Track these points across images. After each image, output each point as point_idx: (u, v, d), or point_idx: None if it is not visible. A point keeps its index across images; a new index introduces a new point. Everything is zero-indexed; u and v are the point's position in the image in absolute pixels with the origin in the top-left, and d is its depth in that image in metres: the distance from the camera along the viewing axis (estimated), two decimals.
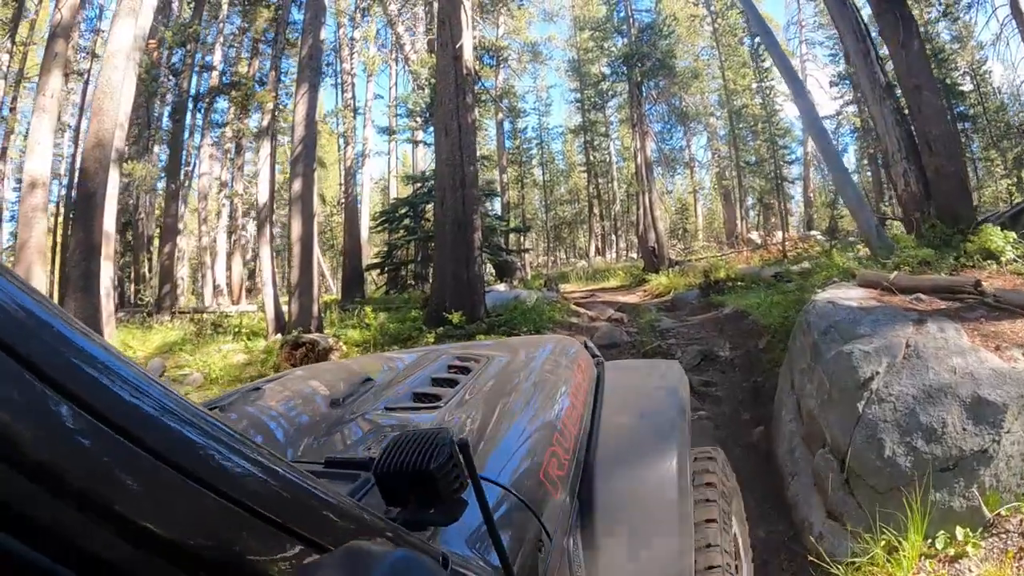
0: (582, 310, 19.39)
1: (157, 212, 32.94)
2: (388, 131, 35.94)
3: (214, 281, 33.03)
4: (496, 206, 37.80)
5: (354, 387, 2.75)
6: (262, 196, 20.73)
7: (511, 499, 1.82)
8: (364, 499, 1.55)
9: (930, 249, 8.43)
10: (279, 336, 15.08)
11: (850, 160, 44.57)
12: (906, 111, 11.16)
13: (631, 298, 24.30)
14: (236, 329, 18.59)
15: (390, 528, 1.17)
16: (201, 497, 0.79)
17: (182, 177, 33.80)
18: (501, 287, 19.92)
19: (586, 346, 3.68)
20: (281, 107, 23.30)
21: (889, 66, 11.87)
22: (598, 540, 2.19)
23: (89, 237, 13.75)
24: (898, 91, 11.36)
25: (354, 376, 3.12)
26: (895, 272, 6.57)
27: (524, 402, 2.55)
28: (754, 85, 41.58)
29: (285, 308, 16.96)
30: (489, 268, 27.11)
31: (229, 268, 34.39)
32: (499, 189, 39.06)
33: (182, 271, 40.20)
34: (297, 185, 16.62)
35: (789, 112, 42.26)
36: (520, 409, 2.47)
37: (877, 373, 4.96)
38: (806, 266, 22.19)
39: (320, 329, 15.74)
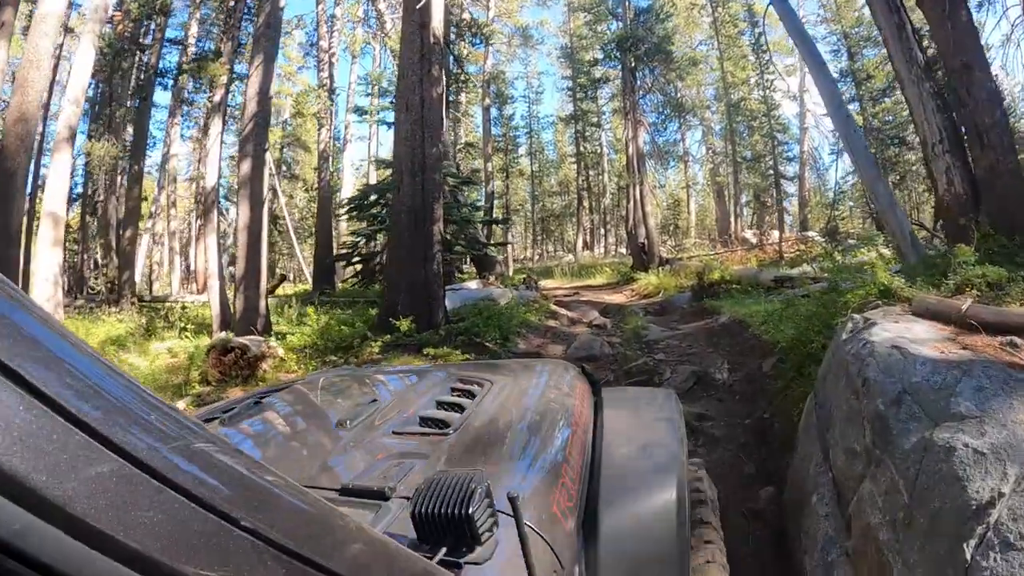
0: (563, 311, 17.89)
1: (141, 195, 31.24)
2: (361, 111, 34.51)
3: (185, 267, 31.65)
4: (480, 196, 36.76)
5: (360, 408, 2.73)
6: (210, 179, 19.05)
7: (530, 533, 1.67)
8: (390, 529, 1.61)
9: (995, 267, 6.64)
10: (223, 335, 13.47)
11: (843, 160, 43.38)
12: (947, 95, 9.43)
13: (617, 298, 23.08)
14: (184, 324, 17.25)
15: (432, 570, 1.19)
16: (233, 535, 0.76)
17: (160, 159, 32.50)
18: (473, 284, 18.18)
19: (584, 371, 3.73)
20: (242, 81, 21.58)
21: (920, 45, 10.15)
22: (601, 570, 2.14)
23: (7, 221, 12.75)
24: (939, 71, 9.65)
25: (358, 395, 3.21)
26: (967, 301, 4.79)
27: (531, 431, 2.56)
28: (753, 79, 40.64)
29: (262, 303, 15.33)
30: (467, 265, 26.07)
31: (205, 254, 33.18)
32: (484, 177, 37.99)
33: (159, 256, 39.10)
34: (245, 167, 15.06)
35: (787, 110, 41.59)
36: (528, 438, 2.49)
37: (1000, 494, 2.79)
38: (807, 269, 20.95)
39: (267, 328, 14.41)
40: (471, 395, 2.87)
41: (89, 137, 28.49)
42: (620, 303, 21.18)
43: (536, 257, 53.59)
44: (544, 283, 29.91)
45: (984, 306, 4.74)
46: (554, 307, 18.31)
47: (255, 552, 0.77)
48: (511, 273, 30.30)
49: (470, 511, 1.36)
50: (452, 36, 31.05)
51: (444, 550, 1.40)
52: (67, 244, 26.43)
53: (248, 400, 3.12)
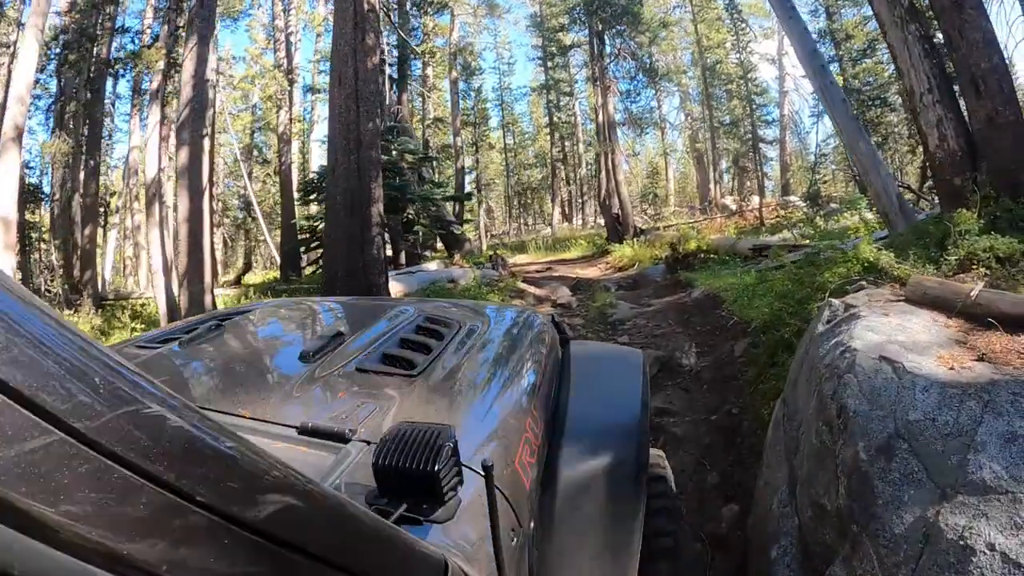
0: (530, 289, 16.97)
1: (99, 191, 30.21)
2: (314, 90, 33.77)
3: (150, 263, 30.66)
4: (454, 172, 36.00)
5: (325, 340, 2.55)
6: (149, 170, 17.97)
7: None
8: (346, 474, 1.58)
9: (1005, 238, 5.46)
10: None
11: (824, 123, 42.67)
12: (936, 38, 8.32)
13: (591, 272, 22.35)
14: (136, 324, 16.73)
15: (393, 532, 1.12)
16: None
17: (126, 153, 31.43)
18: (433, 265, 17.10)
19: (554, 321, 3.60)
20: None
21: None
22: (555, 526, 2.17)
23: None
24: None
25: (324, 325, 3.28)
26: (976, 285, 3.62)
27: (498, 382, 2.52)
28: (729, 42, 40.01)
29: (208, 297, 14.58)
30: (439, 243, 24.70)
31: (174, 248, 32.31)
32: (454, 153, 37.27)
33: (131, 251, 38.08)
34: (183, 156, 14.07)
35: (766, 74, 41.07)
36: (495, 389, 2.44)
37: None
38: (787, 236, 20.24)
39: None
40: (439, 336, 2.76)
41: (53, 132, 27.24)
42: (592, 277, 20.37)
43: (513, 231, 52.59)
44: (517, 259, 29.40)
45: (998, 292, 3.62)
46: (521, 285, 17.37)
47: (215, 536, 0.72)
48: (485, 249, 29.17)
49: (436, 468, 1.31)
50: (412, 8, 29.91)
51: (404, 506, 1.35)
52: (31, 246, 26.08)
53: (210, 321, 2.98)
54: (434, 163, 26.99)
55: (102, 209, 30.44)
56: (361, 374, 2.33)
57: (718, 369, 8.09)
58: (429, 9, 29.92)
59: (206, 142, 14.94)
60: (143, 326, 15.76)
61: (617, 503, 2.34)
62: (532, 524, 1.98)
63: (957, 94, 7.98)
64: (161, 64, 18.79)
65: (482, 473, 1.49)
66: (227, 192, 47.35)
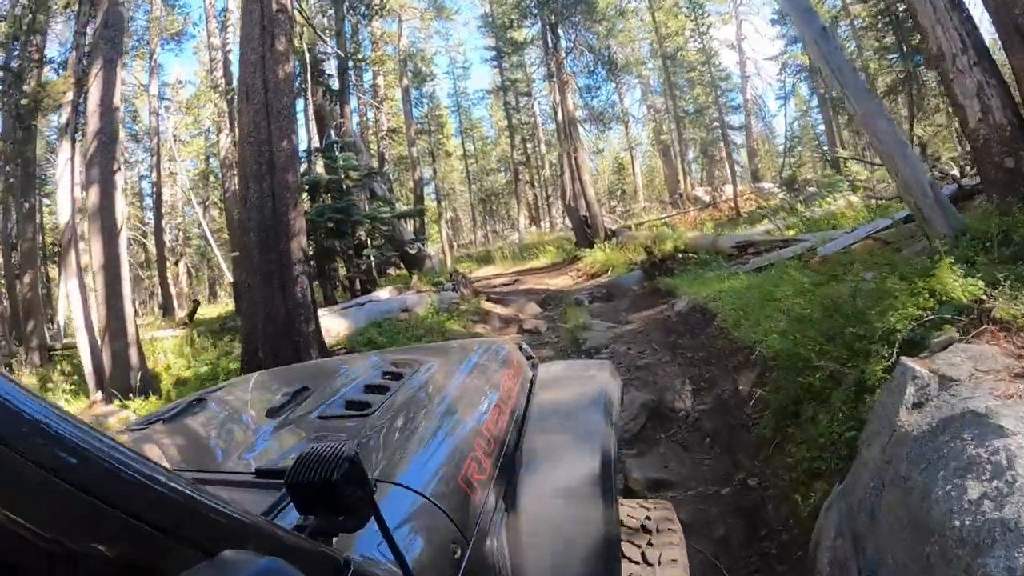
0: (495, 309, 15.45)
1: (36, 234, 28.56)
2: None
3: (71, 317, 29.11)
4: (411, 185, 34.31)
5: (290, 396, 2.79)
6: (62, 214, 16.08)
7: (425, 503, 1.86)
8: (289, 505, 1.64)
9: None
10: (99, 395, 12.31)
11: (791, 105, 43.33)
12: None
13: (561, 281, 21.22)
14: (66, 384, 14.96)
15: (290, 536, 1.27)
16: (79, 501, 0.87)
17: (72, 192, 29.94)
18: (385, 293, 15.20)
19: (520, 347, 3.74)
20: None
21: None
22: (523, 541, 2.20)
23: None
24: None
25: (291, 386, 3.10)
26: None
27: (449, 408, 2.59)
28: (689, 28, 39.30)
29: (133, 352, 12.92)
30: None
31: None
32: (410, 164, 35.80)
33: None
34: (93, 196, 12.62)
35: (726, 60, 40.23)
36: (444, 415, 2.51)
37: None
38: (768, 227, 18.79)
39: (146, 381, 12.46)
40: (399, 377, 2.89)
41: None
42: (563, 288, 19.14)
43: (480, 239, 51.71)
44: (483, 271, 28.47)
45: None
46: (485, 305, 15.82)
47: (128, 531, 0.92)
48: (450, 263, 27.68)
49: (333, 478, 1.31)
50: (348, 10, 28.29)
51: (312, 519, 1.39)
52: None
53: (191, 399, 3.18)
54: (382, 177, 25.10)
55: (57, 250, 28.86)
56: (322, 420, 2.43)
57: (722, 414, 6.53)
58: (366, 11, 28.11)
59: (119, 178, 13.34)
60: (72, 386, 13.92)
61: (581, 508, 2.29)
62: (497, 542, 2.07)
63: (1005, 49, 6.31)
64: (70, 95, 16.88)
65: (413, 489, 1.80)
66: (187, 221, 45.84)
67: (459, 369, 3.12)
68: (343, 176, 18.66)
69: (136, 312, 35.44)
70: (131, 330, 12.60)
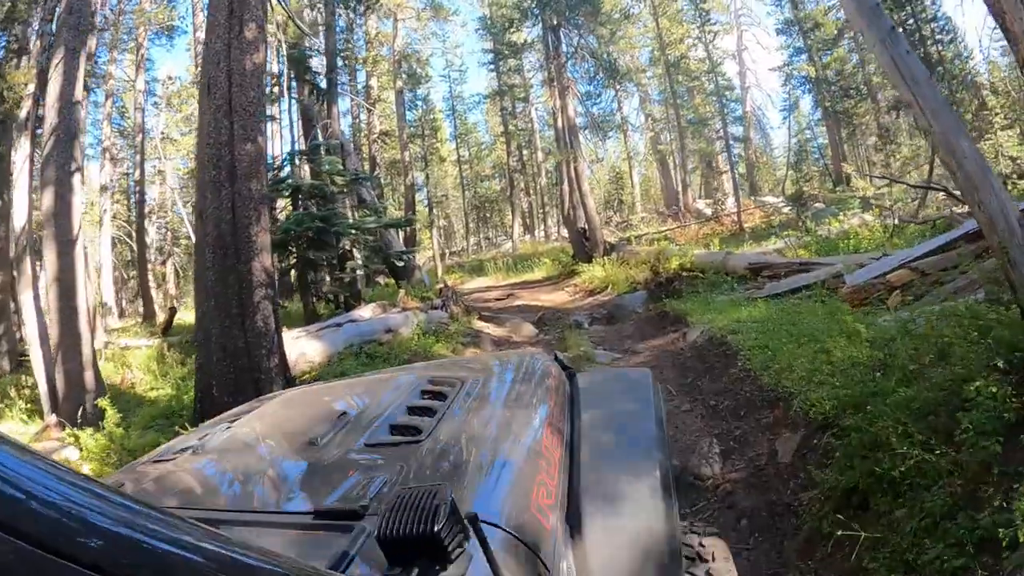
0: (487, 329, 14.48)
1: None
2: None
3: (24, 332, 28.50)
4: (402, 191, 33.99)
5: (330, 424, 2.63)
6: (17, 219, 14.78)
7: (504, 537, 1.76)
8: (362, 551, 1.56)
9: None
10: (53, 418, 11.10)
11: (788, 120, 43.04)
12: None
13: (558, 297, 20.34)
14: (22, 403, 13.43)
15: None
16: None
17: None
18: (367, 312, 13.88)
19: (556, 359, 3.59)
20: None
21: None
22: (591, 564, 2.12)
23: None
24: None
25: (327, 409, 3.09)
26: None
27: (505, 430, 2.47)
28: (693, 34, 38.87)
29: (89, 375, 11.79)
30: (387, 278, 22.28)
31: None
32: (402, 169, 35.16)
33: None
34: (48, 199, 11.44)
35: (726, 70, 39.67)
36: (502, 438, 2.40)
37: None
38: (777, 246, 18.67)
39: (100, 415, 10.79)
40: (442, 397, 2.76)
41: None
42: (560, 306, 18.19)
43: (473, 246, 50.61)
44: (475, 282, 27.89)
45: None
46: (477, 324, 14.78)
47: None
48: (440, 273, 27.24)
49: (436, 529, 1.32)
50: (350, 8, 27.28)
51: (416, 572, 1.37)
52: None
53: (218, 425, 3.12)
54: (373, 182, 23.89)
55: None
56: (370, 448, 2.34)
57: (759, 489, 5.43)
58: (357, 4, 27.00)
59: (76, 179, 12.11)
60: (31, 404, 12.75)
61: (646, 520, 2.24)
62: (566, 564, 2.01)
63: None
64: (31, 87, 15.65)
65: (493, 524, 1.67)
66: (175, 219, 44.87)
67: (503, 386, 3.08)
68: (328, 181, 17.50)
69: (123, 312, 34.88)
70: (86, 350, 11.51)
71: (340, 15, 26.83)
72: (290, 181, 17.45)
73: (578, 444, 2.64)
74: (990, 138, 18.36)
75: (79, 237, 11.95)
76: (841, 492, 4.34)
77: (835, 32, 35.58)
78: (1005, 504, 3.28)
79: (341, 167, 18.35)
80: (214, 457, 2.67)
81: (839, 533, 4.03)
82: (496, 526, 1.74)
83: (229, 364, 8.58)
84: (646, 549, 2.17)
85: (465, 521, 1.41)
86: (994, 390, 3.82)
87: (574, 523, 2.20)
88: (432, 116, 44.49)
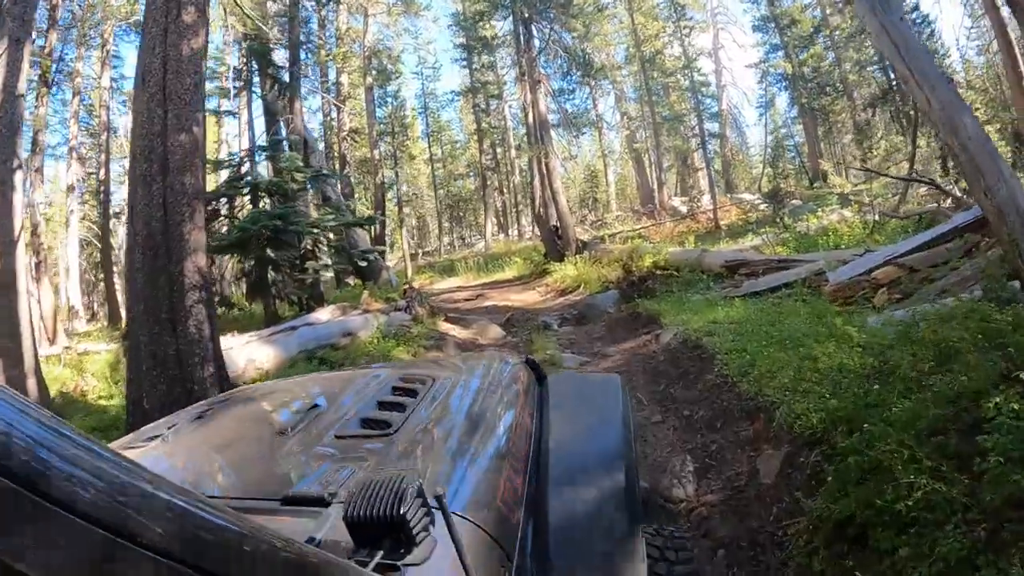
0: (453, 331, 13.96)
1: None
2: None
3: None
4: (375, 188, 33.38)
5: (301, 415, 2.68)
6: None
7: (473, 529, 1.78)
8: (329, 535, 1.57)
9: None
10: None
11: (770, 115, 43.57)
12: None
13: (529, 297, 20.00)
14: None
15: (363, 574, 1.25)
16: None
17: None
18: (325, 315, 13.16)
19: (527, 362, 3.65)
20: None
21: None
22: (551, 555, 2.14)
23: None
24: None
25: (299, 401, 3.12)
26: None
27: (473, 427, 2.49)
28: (669, 31, 38.90)
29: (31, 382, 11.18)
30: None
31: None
32: (372, 168, 34.63)
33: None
34: None
35: (704, 66, 39.78)
36: (470, 434, 2.42)
37: None
38: (755, 243, 18.48)
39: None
40: (413, 394, 2.78)
41: None
42: (530, 306, 17.79)
43: (446, 246, 50.31)
44: (445, 283, 27.48)
45: None
46: (442, 326, 14.16)
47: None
48: (410, 273, 27.38)
49: (402, 511, 1.36)
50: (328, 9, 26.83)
51: (380, 554, 1.39)
52: None
53: (190, 413, 3.13)
54: (335, 180, 23.06)
55: None
56: (340, 440, 2.33)
57: (738, 514, 4.87)
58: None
59: (18, 176, 11.50)
60: None
61: (609, 524, 2.26)
62: (528, 559, 2.02)
63: None
64: None
65: (459, 514, 1.66)
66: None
67: (473, 386, 3.05)
68: (289, 178, 16.78)
69: (94, 315, 34.24)
70: (29, 357, 10.86)
71: (304, 7, 26.21)
72: (249, 178, 16.77)
73: (546, 447, 2.64)
74: None
75: (21, 237, 11.44)
76: (834, 523, 3.72)
77: (811, 29, 35.77)
78: None
79: (300, 163, 17.61)
80: (181, 445, 2.70)
81: (831, 572, 3.48)
82: (462, 516, 1.74)
83: (159, 374, 7.85)
84: (606, 553, 2.17)
85: (431, 506, 1.45)
86: (1016, 407, 3.23)
87: (537, 518, 2.21)
88: (403, 113, 43.86)
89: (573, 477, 2.46)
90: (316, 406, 2.77)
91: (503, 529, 1.91)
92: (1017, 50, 17.22)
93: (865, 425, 3.93)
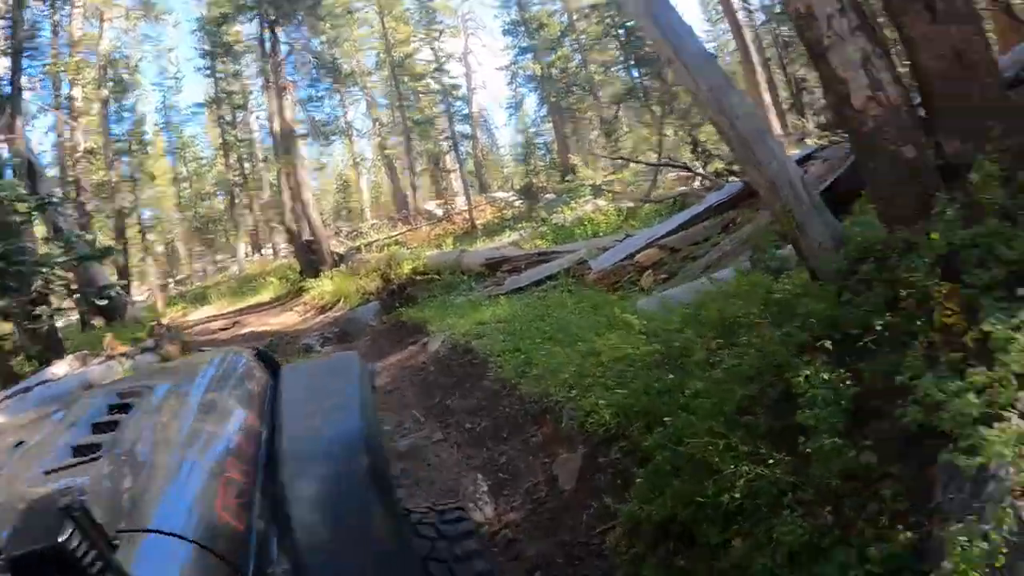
0: None
1: None
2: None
3: None
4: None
5: (2, 457, 2.28)
6: None
7: (184, 544, 1.61)
8: None
9: None
10: None
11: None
12: None
13: (288, 319, 19.41)
14: None
15: None
16: None
17: None
18: (62, 368, 11.45)
19: (258, 353, 3.44)
20: None
21: None
22: (301, 552, 2.01)
23: None
24: None
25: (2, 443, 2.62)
26: None
27: (192, 432, 2.34)
28: (420, 33, 39.99)
29: None
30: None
31: None
32: (109, 191, 31.90)
33: None
34: None
35: (453, 72, 40.76)
36: (187, 441, 2.25)
37: None
38: (512, 239, 18.77)
39: None
40: (128, 408, 2.42)
41: None
42: (290, 328, 17.10)
43: (199, 273, 47.99)
44: (198, 313, 26.40)
45: None
46: None
47: None
48: (161, 307, 25.93)
49: (59, 541, 1.09)
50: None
51: None
52: None
53: None
54: (65, 208, 21.11)
55: None
56: (48, 476, 1.89)
57: (547, 529, 4.53)
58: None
59: None
60: None
61: (358, 506, 2.19)
62: (281, 564, 1.94)
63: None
64: None
65: (175, 535, 1.52)
66: None
67: (196, 388, 2.78)
68: (10, 209, 14.96)
69: None
70: None
71: (31, 8, 23.97)
72: None
73: (280, 438, 2.47)
74: None
75: None
76: (654, 525, 3.49)
77: (559, 33, 37.56)
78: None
79: (23, 191, 15.83)
80: None
81: None
82: (178, 536, 1.57)
83: None
84: (362, 538, 2.10)
85: (122, 529, 1.28)
86: (827, 376, 3.10)
87: (282, 523, 2.06)
88: (143, 129, 41.09)
89: (311, 467, 2.31)
90: (21, 443, 2.37)
91: (228, 539, 1.77)
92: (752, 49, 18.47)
93: (667, 419, 3.66)
